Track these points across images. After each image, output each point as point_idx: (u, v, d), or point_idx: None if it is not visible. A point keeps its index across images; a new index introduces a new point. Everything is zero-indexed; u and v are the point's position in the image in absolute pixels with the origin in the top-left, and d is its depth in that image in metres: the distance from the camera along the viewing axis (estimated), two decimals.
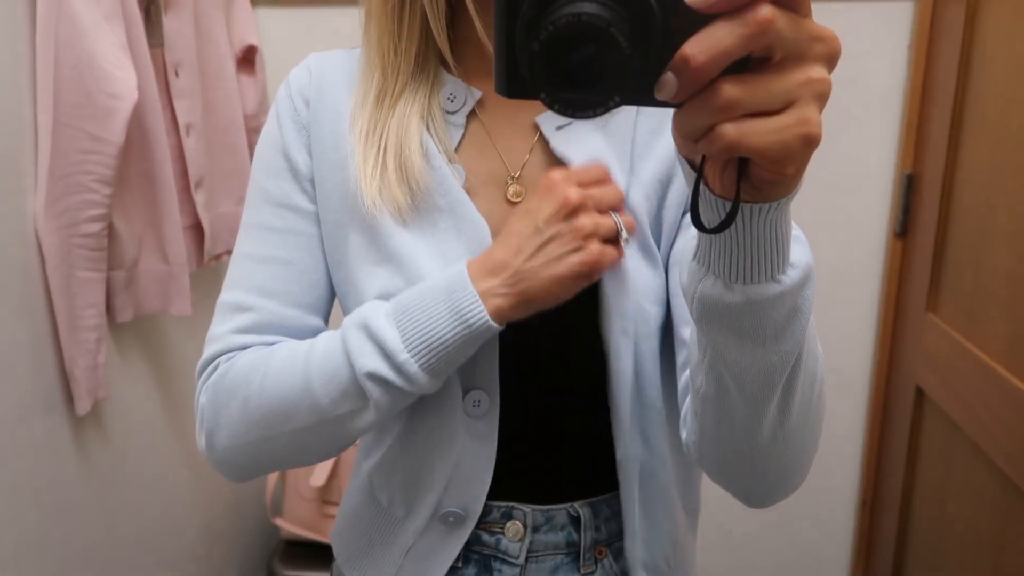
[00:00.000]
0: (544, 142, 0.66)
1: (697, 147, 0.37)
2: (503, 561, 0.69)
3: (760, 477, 0.57)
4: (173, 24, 1.24)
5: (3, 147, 0.98)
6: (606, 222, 0.59)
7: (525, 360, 0.65)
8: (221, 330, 0.67)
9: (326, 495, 1.54)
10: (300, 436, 0.62)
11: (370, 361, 0.58)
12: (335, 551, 0.79)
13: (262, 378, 0.62)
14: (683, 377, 0.62)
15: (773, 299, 0.44)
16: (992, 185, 1.25)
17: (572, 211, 0.58)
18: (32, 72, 1.03)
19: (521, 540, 0.68)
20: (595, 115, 0.35)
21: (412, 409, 0.66)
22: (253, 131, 1.46)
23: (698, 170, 0.41)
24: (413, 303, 0.59)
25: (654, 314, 0.64)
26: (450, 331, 0.58)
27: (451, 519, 0.68)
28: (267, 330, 0.66)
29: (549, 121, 0.65)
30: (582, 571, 0.70)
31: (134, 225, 1.20)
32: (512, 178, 0.66)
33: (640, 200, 0.64)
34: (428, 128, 0.65)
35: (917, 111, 1.49)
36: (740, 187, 0.39)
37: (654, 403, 0.66)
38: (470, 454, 0.66)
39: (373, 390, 0.59)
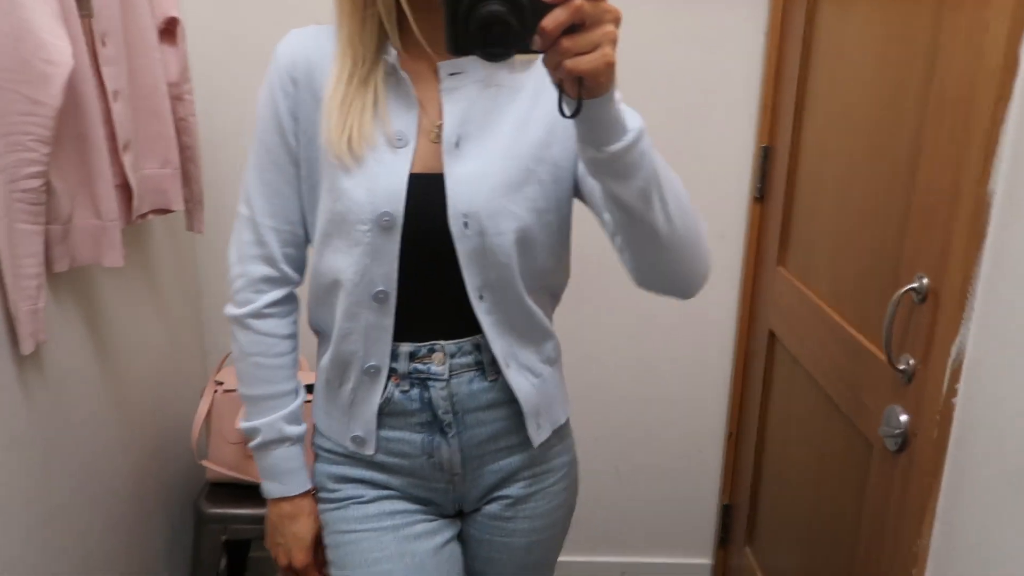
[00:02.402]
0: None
1: (556, 74, 0.71)
2: (435, 380, 1.00)
3: (677, 269, 0.89)
4: None
5: None
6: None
7: (412, 263, 0.97)
8: (242, 252, 1.05)
9: None
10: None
11: (245, 429, 1.08)
12: (316, 424, 1.13)
13: (246, 371, 1.06)
14: (615, 239, 0.92)
15: (622, 150, 0.76)
16: (823, 156, 1.48)
17: (283, 552, 1.10)
18: None
19: (443, 364, 1.00)
20: (503, 60, 0.69)
21: (337, 313, 1.00)
22: (175, 98, 1.56)
23: (559, 86, 0.72)
24: (271, 462, 1.07)
25: (513, 211, 0.94)
26: (262, 471, 1.08)
27: (371, 371, 1.01)
28: (273, 262, 1.04)
29: (445, 68, 0.97)
30: (488, 379, 1.02)
31: (69, 183, 1.30)
32: (436, 127, 0.97)
33: (538, 131, 0.97)
34: (376, 100, 0.95)
35: (771, 92, 1.72)
36: (581, 91, 0.71)
37: (504, 267, 0.96)
38: (375, 328, 0.99)
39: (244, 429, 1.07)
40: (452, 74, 0.97)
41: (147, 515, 1.66)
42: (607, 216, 0.91)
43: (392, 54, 0.95)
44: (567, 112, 0.73)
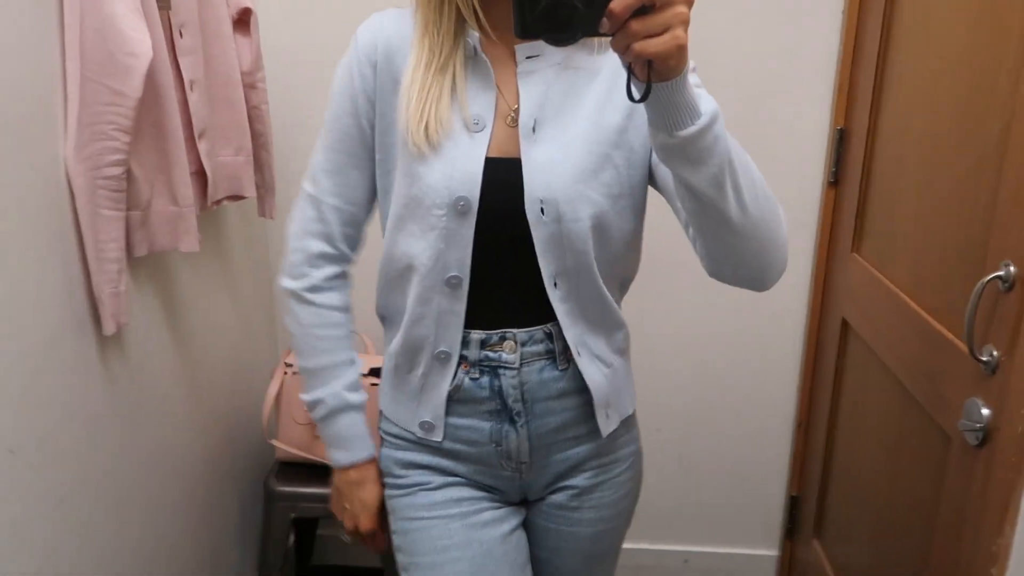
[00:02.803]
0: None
1: (625, 57, 0.69)
2: (506, 368, 1.00)
3: (752, 259, 0.86)
4: None
5: (39, 99, 1.12)
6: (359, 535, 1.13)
7: (486, 248, 0.96)
8: (303, 228, 1.07)
9: None
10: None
11: (309, 404, 1.10)
12: (382, 409, 1.14)
13: (303, 342, 1.08)
14: (689, 229, 0.90)
15: (695, 135, 0.74)
16: (904, 140, 1.43)
17: (350, 515, 1.13)
18: (60, 33, 1.16)
19: (514, 352, 1.00)
20: (570, 43, 0.69)
21: (409, 298, 1.01)
22: (249, 87, 1.59)
23: (628, 69, 0.72)
24: (336, 430, 1.09)
25: (590, 196, 0.94)
26: (327, 441, 1.10)
27: (442, 356, 1.01)
28: (332, 240, 1.06)
29: (522, 51, 0.96)
30: (559, 368, 1.02)
31: (147, 170, 1.34)
32: (512, 111, 0.97)
33: (617, 116, 0.96)
34: (455, 84, 0.95)
35: (848, 73, 1.67)
36: (650, 74, 0.70)
37: (581, 253, 0.95)
38: (448, 313, 0.99)
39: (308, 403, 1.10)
40: (529, 57, 0.96)
41: (219, 493, 1.72)
42: (679, 204, 0.90)
43: (474, 36, 0.95)
44: (636, 96, 0.72)
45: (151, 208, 1.35)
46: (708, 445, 2.01)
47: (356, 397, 1.08)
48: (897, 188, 1.45)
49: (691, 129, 0.73)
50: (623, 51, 0.68)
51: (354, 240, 1.09)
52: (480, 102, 0.96)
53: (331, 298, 1.07)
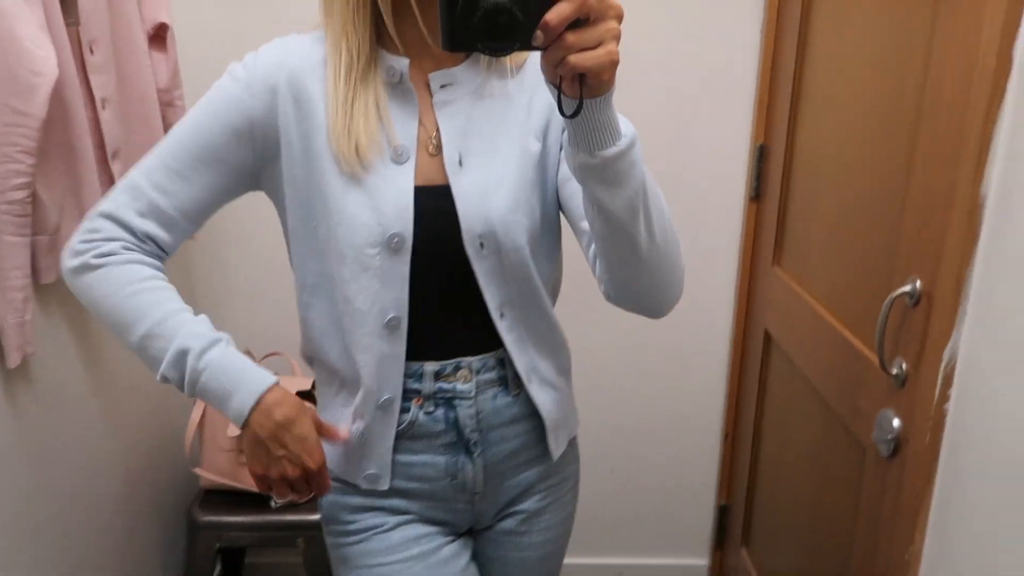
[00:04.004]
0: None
1: (557, 71, 0.68)
2: (462, 398, 0.98)
3: (652, 288, 0.87)
4: (88, 3, 1.32)
5: None
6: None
7: (425, 285, 0.93)
8: (107, 208, 0.94)
9: (242, 444, 1.67)
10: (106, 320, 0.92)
11: (168, 371, 0.89)
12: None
13: (121, 299, 0.90)
14: (591, 249, 0.90)
15: (615, 156, 0.74)
16: (819, 157, 1.47)
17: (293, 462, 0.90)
18: None
19: (470, 381, 0.97)
20: (507, 54, 0.68)
21: (346, 347, 0.95)
22: (166, 104, 1.55)
23: (558, 86, 0.70)
24: (221, 369, 0.89)
25: (523, 223, 0.92)
26: (217, 396, 0.89)
27: (385, 404, 0.96)
28: (133, 231, 0.93)
29: (436, 80, 0.93)
30: (512, 394, 1.00)
31: (56, 193, 1.29)
32: (432, 140, 0.93)
33: (537, 139, 0.95)
34: (379, 107, 0.91)
35: (767, 91, 1.71)
36: (582, 89, 0.69)
37: (523, 281, 0.95)
38: (388, 358, 0.94)
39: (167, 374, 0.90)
40: (444, 86, 0.94)
41: (141, 523, 1.66)
42: (584, 225, 0.90)
43: (402, 62, 0.92)
44: (567, 112, 0.71)
45: (60, 232, 1.30)
46: (639, 457, 2.03)
47: (219, 333, 0.92)
48: (813, 203, 1.49)
49: (612, 150, 0.74)
50: (556, 64, 0.67)
51: (159, 247, 0.95)
52: (403, 133, 0.92)
53: (131, 258, 0.92)
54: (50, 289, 1.32)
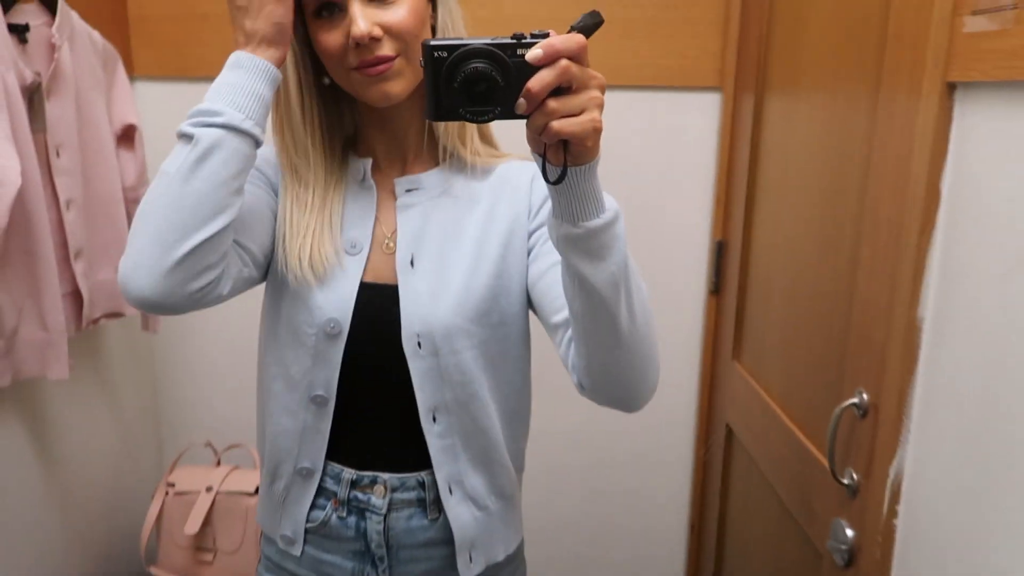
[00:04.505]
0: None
1: (540, 139, 0.69)
2: (373, 512, 0.99)
3: (629, 375, 0.83)
4: (55, 110, 1.35)
5: None
6: None
7: (357, 372, 0.94)
8: None
9: (201, 541, 1.64)
10: (170, 213, 0.79)
11: (193, 123, 0.81)
12: (259, 522, 1.09)
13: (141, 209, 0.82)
14: (564, 337, 0.88)
15: (600, 228, 0.74)
16: (773, 255, 1.51)
17: None
18: None
19: (383, 497, 0.98)
20: (488, 120, 0.69)
21: (277, 408, 0.98)
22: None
23: (543, 154, 0.71)
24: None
25: (469, 329, 0.93)
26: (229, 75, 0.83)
27: (303, 472, 0.99)
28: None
29: (401, 184, 0.98)
30: (428, 517, 1.00)
31: (15, 296, 1.29)
32: (389, 240, 0.97)
33: (495, 247, 0.96)
34: (332, 215, 0.95)
35: (724, 187, 1.76)
36: (566, 156, 0.70)
37: (460, 386, 0.94)
38: (311, 430, 0.97)
39: (201, 137, 0.80)
40: (409, 190, 0.98)
41: None
42: (557, 318, 0.90)
43: (367, 162, 0.98)
44: (551, 179, 0.72)
45: (18, 335, 1.30)
46: (606, 544, 2.01)
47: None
48: (768, 300, 1.52)
49: (597, 221, 0.73)
50: (540, 131, 0.68)
51: (237, 281, 0.90)
52: (359, 227, 0.97)
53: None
54: (5, 393, 1.31)
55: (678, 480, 1.95)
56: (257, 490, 1.63)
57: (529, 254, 0.97)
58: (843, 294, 1.17)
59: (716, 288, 1.80)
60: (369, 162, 0.98)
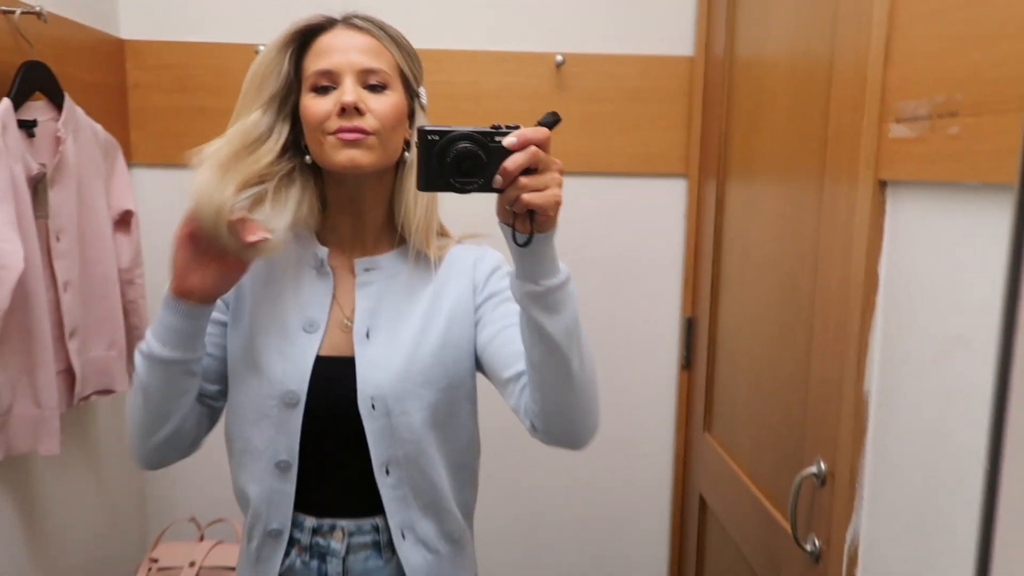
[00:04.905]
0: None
1: (511, 209, 0.83)
2: (333, 556, 1.08)
3: (579, 413, 0.95)
4: (58, 197, 1.42)
5: None
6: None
7: (316, 437, 1.05)
8: None
9: None
10: (146, 412, 1.02)
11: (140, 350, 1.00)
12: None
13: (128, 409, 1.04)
14: (516, 388, 1.00)
15: (557, 286, 0.88)
16: (738, 333, 1.59)
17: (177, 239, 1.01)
18: None
19: (342, 542, 1.07)
20: (472, 191, 0.82)
21: (247, 476, 1.08)
22: (127, 283, 1.63)
23: (511, 224, 0.85)
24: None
25: (418, 392, 1.04)
26: (163, 316, 0.99)
27: (273, 533, 1.08)
28: None
29: (360, 264, 1.09)
30: (383, 558, 1.09)
31: (10, 373, 1.34)
32: (347, 319, 1.08)
33: (442, 320, 1.08)
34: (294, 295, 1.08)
35: (692, 268, 1.86)
36: (532, 225, 0.84)
37: (410, 443, 1.04)
38: (278, 494, 1.06)
39: (141, 361, 1.00)
40: (367, 270, 1.10)
41: None
42: (507, 374, 1.02)
43: (323, 251, 1.09)
44: (519, 242, 0.86)
45: (12, 412, 1.34)
46: None
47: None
48: (735, 374, 1.60)
49: (554, 280, 0.88)
50: (511, 203, 0.83)
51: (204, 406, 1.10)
52: (316, 308, 1.08)
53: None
54: None
55: (655, 549, 1.99)
56: None
57: (477, 324, 1.10)
58: (801, 368, 1.25)
59: (688, 362, 1.88)
60: (326, 251, 1.09)
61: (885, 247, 0.99)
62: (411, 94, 1.08)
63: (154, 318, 1.00)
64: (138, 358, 1.00)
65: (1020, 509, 0.74)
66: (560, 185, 0.84)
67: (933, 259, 0.90)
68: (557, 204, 0.83)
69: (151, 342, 0.99)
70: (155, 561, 1.68)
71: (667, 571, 1.99)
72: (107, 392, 1.59)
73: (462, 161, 0.82)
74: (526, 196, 0.81)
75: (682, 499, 1.92)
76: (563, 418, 0.96)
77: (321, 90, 1.01)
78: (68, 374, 1.48)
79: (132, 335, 1.66)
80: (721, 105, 1.67)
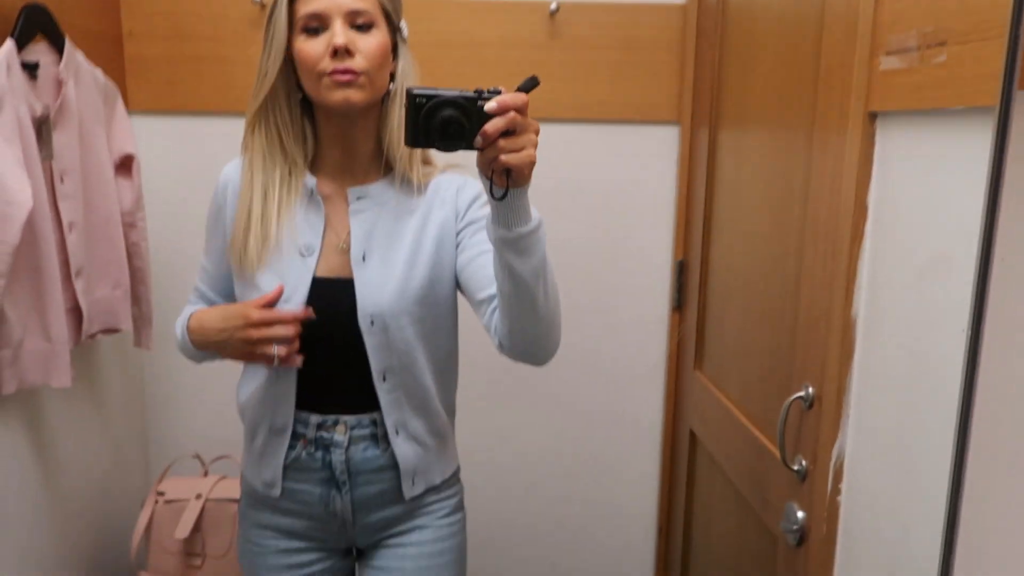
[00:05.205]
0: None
1: (490, 167, 0.92)
2: (335, 446, 1.21)
3: (542, 338, 1.08)
4: (61, 139, 1.44)
5: None
6: (264, 347, 1.14)
7: (320, 349, 1.17)
8: (192, 298, 1.31)
9: (190, 547, 1.70)
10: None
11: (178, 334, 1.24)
12: (242, 470, 1.32)
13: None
14: (488, 309, 1.12)
15: (528, 233, 0.97)
16: (728, 272, 1.64)
17: (246, 335, 1.14)
18: None
19: (344, 435, 1.21)
20: (455, 150, 0.92)
21: (253, 381, 1.23)
22: (129, 226, 1.66)
23: (490, 178, 0.93)
24: (202, 323, 1.20)
25: (410, 310, 1.17)
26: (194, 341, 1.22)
27: (276, 430, 1.22)
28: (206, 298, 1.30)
29: (353, 193, 1.20)
30: (379, 448, 1.23)
31: (20, 309, 1.37)
32: (343, 243, 1.19)
33: (430, 243, 1.19)
34: (280, 214, 1.18)
35: (684, 212, 1.90)
36: (508, 181, 0.92)
37: (406, 365, 1.19)
38: (282, 396, 1.20)
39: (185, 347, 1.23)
40: (359, 198, 1.20)
41: None
42: (481, 295, 1.14)
43: (311, 180, 1.20)
44: (496, 196, 0.95)
45: (23, 346, 1.38)
46: (580, 553, 2.10)
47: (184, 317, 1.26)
48: (725, 313, 1.65)
49: (526, 228, 0.97)
50: (490, 161, 0.91)
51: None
52: (310, 233, 1.19)
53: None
54: (10, 400, 1.38)
55: (646, 486, 2.06)
56: None
57: (457, 247, 1.22)
58: (790, 301, 1.30)
59: (679, 304, 1.94)
60: (314, 180, 1.20)
61: (874, 177, 1.04)
62: (393, 29, 1.17)
63: (195, 324, 1.20)
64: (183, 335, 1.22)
65: (993, 420, 0.81)
66: (535, 146, 0.92)
67: (919, 184, 0.95)
68: (532, 164, 0.92)
69: (186, 342, 1.22)
70: (161, 494, 1.74)
71: (657, 504, 2.07)
72: (112, 331, 1.63)
73: (447, 126, 0.91)
74: (504, 157, 0.90)
75: (673, 436, 2.00)
76: (527, 341, 1.09)
77: (312, 31, 1.10)
78: (75, 312, 1.51)
79: (136, 276, 1.69)
80: (714, 52, 1.70)
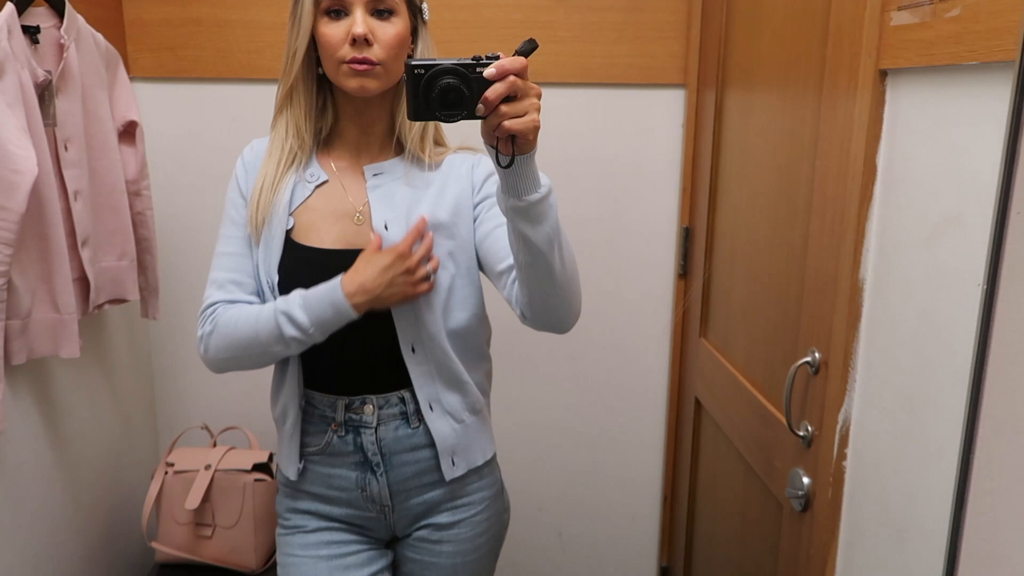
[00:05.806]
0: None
1: (494, 134, 0.90)
2: (365, 427, 1.20)
3: (563, 305, 1.08)
4: (64, 105, 1.43)
5: None
6: (422, 271, 1.14)
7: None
8: (214, 296, 1.19)
9: (200, 517, 1.72)
10: (250, 356, 1.16)
11: (291, 331, 1.12)
12: (277, 462, 1.30)
13: (234, 326, 1.14)
14: (508, 281, 1.13)
15: (538, 200, 0.96)
16: (735, 238, 1.63)
17: (407, 266, 1.12)
18: None
19: (372, 414, 1.20)
20: (457, 121, 0.91)
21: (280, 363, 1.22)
22: (134, 194, 1.65)
23: (495, 146, 0.92)
24: (312, 302, 1.11)
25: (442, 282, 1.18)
26: (332, 318, 1.11)
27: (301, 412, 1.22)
28: (235, 296, 1.19)
29: (369, 171, 1.20)
30: (411, 427, 1.21)
31: (29, 279, 1.37)
32: (358, 212, 1.19)
33: (447, 216, 1.19)
34: (294, 195, 1.19)
35: (690, 178, 1.89)
36: (514, 147, 0.91)
37: (434, 335, 1.18)
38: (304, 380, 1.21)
39: (291, 342, 1.12)
40: (376, 174, 1.21)
41: None
42: (501, 267, 1.14)
43: (327, 161, 1.21)
44: (503, 164, 0.94)
45: (31, 316, 1.38)
46: (585, 521, 2.12)
47: (289, 297, 1.15)
48: (731, 280, 1.65)
49: (535, 195, 0.96)
50: (494, 128, 0.90)
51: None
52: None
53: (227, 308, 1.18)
54: (20, 370, 1.38)
55: (651, 454, 2.07)
56: (254, 467, 1.73)
57: (475, 220, 1.21)
58: (796, 266, 1.29)
59: (684, 271, 1.93)
60: (329, 162, 1.22)
61: (884, 136, 1.02)
62: (414, 12, 1.17)
63: (306, 304, 1.11)
64: (288, 331, 1.11)
65: (1007, 381, 0.80)
66: (538, 110, 0.91)
67: (930, 143, 0.94)
68: (536, 128, 0.91)
69: (312, 332, 1.11)
70: (171, 465, 1.75)
71: (662, 471, 2.08)
72: (119, 301, 1.63)
73: (446, 95, 0.89)
74: (507, 123, 0.89)
75: (678, 403, 2.00)
76: (547, 309, 1.08)
77: (334, 14, 1.11)
78: (82, 282, 1.51)
79: (142, 246, 1.69)
80: (720, 13, 1.68)
